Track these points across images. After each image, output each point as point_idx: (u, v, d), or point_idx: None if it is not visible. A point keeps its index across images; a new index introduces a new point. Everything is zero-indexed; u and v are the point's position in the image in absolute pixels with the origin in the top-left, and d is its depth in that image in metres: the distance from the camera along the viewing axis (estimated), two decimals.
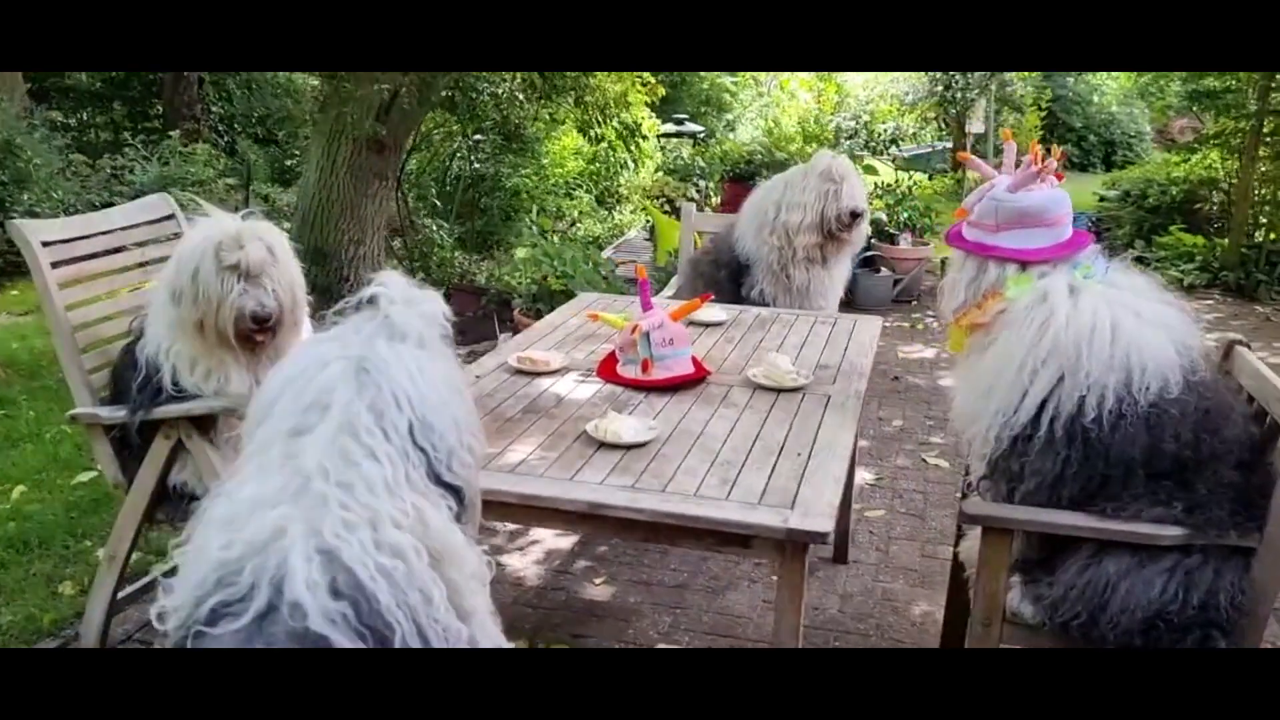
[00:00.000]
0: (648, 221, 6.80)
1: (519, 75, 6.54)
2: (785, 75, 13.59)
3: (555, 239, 9.06)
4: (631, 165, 9.02)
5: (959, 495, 3.15)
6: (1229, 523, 2.15)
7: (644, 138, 8.25)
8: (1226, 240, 8.26)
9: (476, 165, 8.23)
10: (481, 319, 6.56)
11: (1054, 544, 2.31)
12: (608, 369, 2.80)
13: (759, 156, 8.02)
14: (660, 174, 8.06)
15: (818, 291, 3.98)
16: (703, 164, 7.74)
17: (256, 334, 2.59)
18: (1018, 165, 2.48)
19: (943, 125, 15.22)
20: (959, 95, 9.99)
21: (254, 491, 1.36)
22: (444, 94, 6.10)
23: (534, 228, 8.92)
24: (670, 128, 8.89)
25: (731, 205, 7.17)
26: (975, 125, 9.53)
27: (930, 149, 13.09)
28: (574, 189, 10.46)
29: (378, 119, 6.07)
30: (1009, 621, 2.32)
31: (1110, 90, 16.61)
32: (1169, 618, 2.16)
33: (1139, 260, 9.63)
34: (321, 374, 1.43)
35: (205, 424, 2.66)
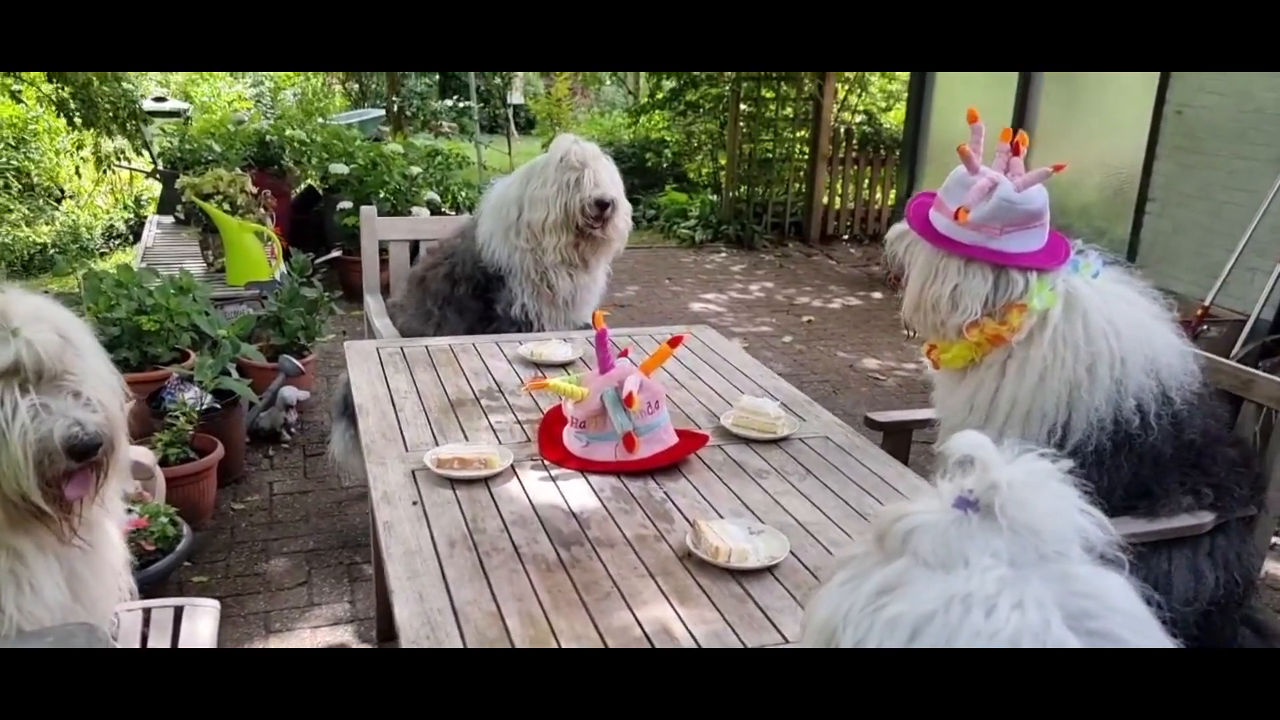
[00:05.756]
0: (196, 218, 5.36)
1: None
2: None
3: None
4: (146, 154, 7.13)
5: None
6: (1246, 497, 2.27)
7: (145, 120, 6.61)
8: (717, 198, 9.07)
9: None
10: None
11: None
12: (559, 451, 2.10)
13: (271, 137, 6.93)
14: (160, 163, 6.54)
15: (582, 301, 3.42)
16: (217, 148, 6.38)
17: (79, 478, 1.51)
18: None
19: (351, 92, 14.72)
20: None
21: None
22: None
23: None
24: (150, 104, 7.26)
25: (280, 201, 6.07)
26: (515, 96, 9.26)
27: (363, 115, 12.44)
28: None
29: None
30: None
31: None
32: (1220, 601, 2.22)
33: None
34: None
35: None
